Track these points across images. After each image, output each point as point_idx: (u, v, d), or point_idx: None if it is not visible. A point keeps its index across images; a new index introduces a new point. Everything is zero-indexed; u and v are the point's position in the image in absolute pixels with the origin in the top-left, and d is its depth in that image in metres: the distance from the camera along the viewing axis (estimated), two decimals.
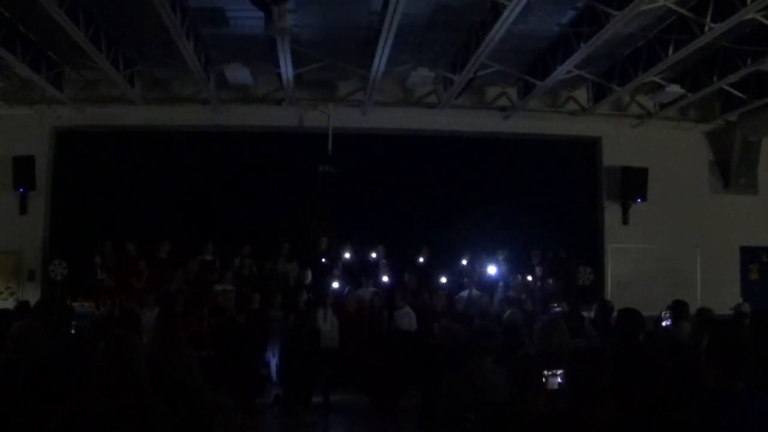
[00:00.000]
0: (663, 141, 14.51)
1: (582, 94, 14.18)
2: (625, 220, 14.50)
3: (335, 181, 13.38)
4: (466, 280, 12.88)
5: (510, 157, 14.57)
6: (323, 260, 13.03)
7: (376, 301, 12.14)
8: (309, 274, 12.81)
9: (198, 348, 7.66)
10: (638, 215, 14.43)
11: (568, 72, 11.96)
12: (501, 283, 12.91)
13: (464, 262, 13.45)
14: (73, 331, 7.21)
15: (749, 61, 10.95)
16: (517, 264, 13.49)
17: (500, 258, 13.49)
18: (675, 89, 12.56)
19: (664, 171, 14.30)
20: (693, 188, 14.65)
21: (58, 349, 5.02)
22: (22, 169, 13.33)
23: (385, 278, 12.81)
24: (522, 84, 13.48)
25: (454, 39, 11.51)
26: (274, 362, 11.08)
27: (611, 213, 14.57)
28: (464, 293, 12.59)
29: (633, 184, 14.23)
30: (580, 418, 3.25)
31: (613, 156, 14.56)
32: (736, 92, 12.98)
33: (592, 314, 9.93)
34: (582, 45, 10.41)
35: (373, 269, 13.06)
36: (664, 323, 8.29)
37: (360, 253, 13.34)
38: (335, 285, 12.25)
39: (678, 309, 7.86)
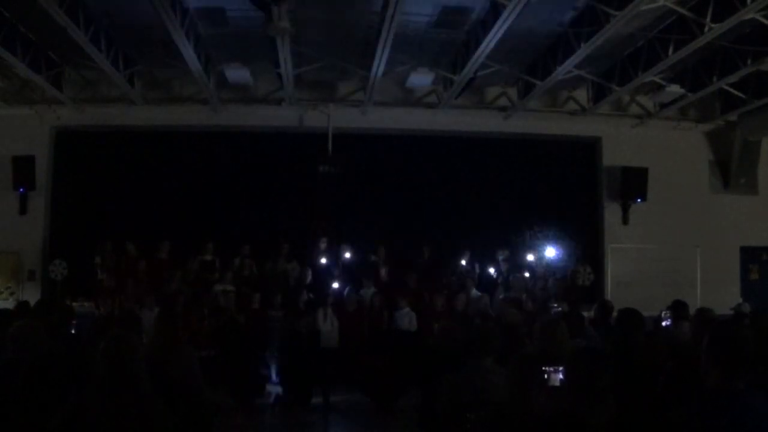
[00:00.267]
0: (663, 141, 14.51)
1: (582, 94, 14.18)
2: (625, 220, 14.50)
3: (335, 181, 13.38)
4: (466, 280, 12.88)
5: (510, 157, 14.57)
6: (323, 260, 13.03)
7: (376, 301, 12.14)
8: (309, 274, 12.80)
9: (198, 348, 7.69)
10: (638, 215, 14.42)
11: (568, 72, 11.96)
12: (500, 281, 12.93)
13: (464, 262, 13.45)
14: (73, 331, 7.21)
15: (749, 61, 10.95)
16: (517, 264, 13.51)
17: (500, 258, 13.49)
18: (675, 89, 12.56)
19: (664, 171, 14.29)
20: (693, 188, 14.65)
21: (58, 349, 5.02)
22: (22, 169, 13.33)
23: (385, 278, 12.80)
24: (522, 84, 13.49)
25: (454, 39, 11.51)
26: (274, 362, 11.07)
27: (611, 213, 14.57)
28: (464, 293, 12.59)
29: (633, 184, 14.23)
30: (580, 418, 3.25)
31: (613, 156, 14.56)
32: (736, 92, 12.98)
33: (592, 314, 9.93)
34: (582, 45, 10.41)
35: (373, 269, 13.06)
36: (664, 323, 8.26)
37: (360, 253, 13.33)
38: (335, 285, 12.24)
39: (678, 309, 7.85)
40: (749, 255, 14.75)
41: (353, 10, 10.43)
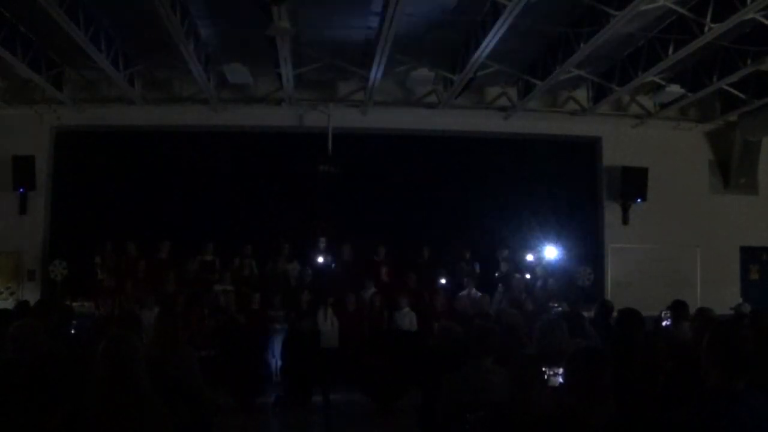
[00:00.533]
0: (663, 141, 14.51)
1: (582, 94, 14.17)
2: (625, 220, 14.50)
3: (335, 180, 13.37)
4: (466, 279, 12.88)
5: (510, 157, 14.56)
6: (323, 260, 13.03)
7: (376, 301, 12.14)
8: (309, 274, 12.81)
9: (198, 348, 7.68)
10: (638, 215, 14.42)
11: (568, 72, 11.96)
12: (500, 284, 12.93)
13: (464, 262, 13.44)
14: (73, 331, 7.22)
15: (749, 61, 10.95)
16: (517, 264, 13.50)
17: (501, 258, 13.49)
18: (675, 89, 12.56)
19: (664, 171, 14.30)
20: (693, 188, 14.66)
21: (58, 349, 5.02)
22: (22, 169, 13.32)
23: (385, 278, 12.81)
24: (522, 84, 13.49)
25: (454, 39, 11.51)
26: (274, 362, 11.08)
27: (611, 213, 14.57)
28: (464, 293, 12.60)
29: (633, 184, 14.23)
30: (580, 418, 3.25)
31: (613, 156, 14.56)
32: (736, 92, 12.98)
33: (592, 314, 9.93)
34: (582, 45, 10.41)
35: (374, 269, 13.06)
36: (664, 323, 8.26)
37: (360, 253, 13.33)
38: (335, 285, 12.24)
39: (678, 309, 7.85)
40: (749, 255, 14.76)
41: (353, 10, 10.43)
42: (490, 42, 10.15)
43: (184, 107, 13.74)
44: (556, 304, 12.06)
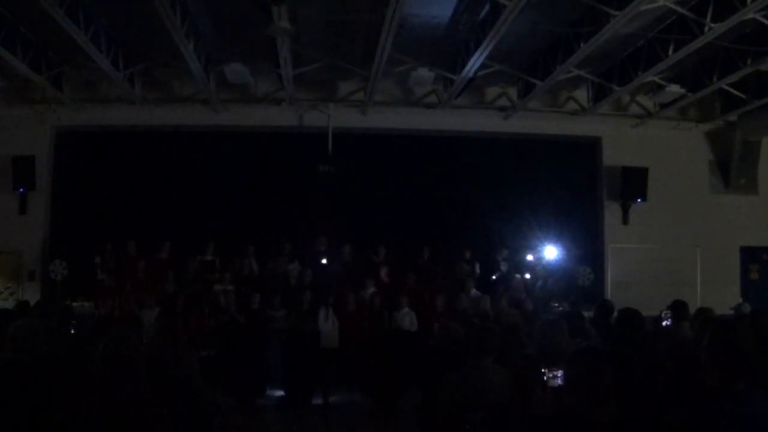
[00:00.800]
0: (663, 141, 14.51)
1: (582, 94, 14.17)
2: (625, 220, 14.50)
3: (335, 180, 13.38)
4: (465, 280, 12.87)
5: (510, 157, 14.55)
6: (323, 260, 13.02)
7: (376, 301, 12.14)
8: (310, 274, 12.80)
9: (198, 348, 7.69)
10: (638, 215, 14.42)
11: (568, 72, 11.96)
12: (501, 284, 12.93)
13: (464, 262, 13.44)
14: (73, 331, 7.21)
15: (749, 61, 10.95)
16: (517, 264, 13.50)
17: (500, 258, 13.48)
18: (675, 89, 12.57)
19: (664, 171, 14.30)
20: (693, 188, 14.65)
21: (58, 349, 5.02)
22: (22, 169, 13.32)
23: (385, 278, 12.80)
24: (522, 84, 13.48)
25: (454, 39, 11.50)
26: (274, 362, 11.06)
27: (611, 213, 14.57)
28: (464, 293, 12.58)
29: (633, 184, 14.23)
30: (580, 418, 3.25)
31: (613, 156, 14.56)
32: (736, 92, 12.98)
33: (592, 314, 9.91)
34: (582, 45, 10.40)
35: (374, 269, 13.06)
36: (664, 323, 8.26)
37: (360, 253, 13.33)
38: (335, 285, 12.24)
39: (678, 309, 7.84)
40: (749, 255, 14.75)
41: (353, 10, 10.43)
42: (490, 42, 10.15)
43: (184, 107, 13.74)
44: (556, 304, 12.06)
